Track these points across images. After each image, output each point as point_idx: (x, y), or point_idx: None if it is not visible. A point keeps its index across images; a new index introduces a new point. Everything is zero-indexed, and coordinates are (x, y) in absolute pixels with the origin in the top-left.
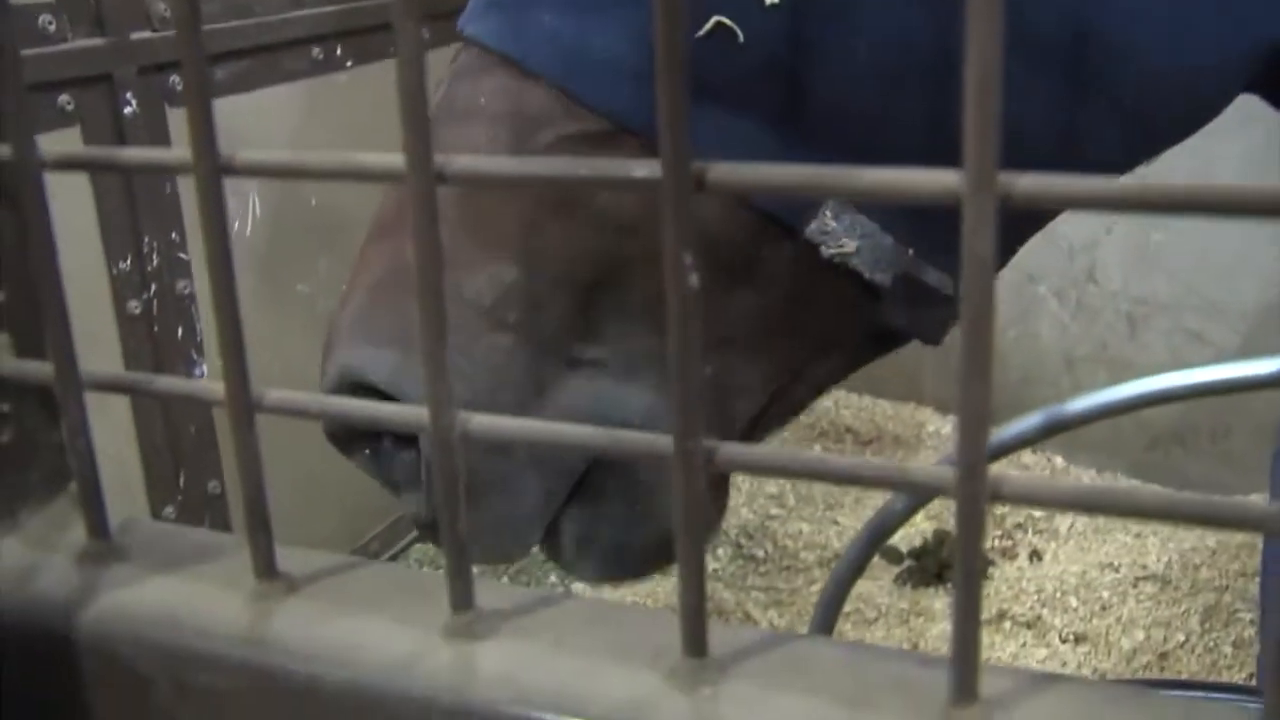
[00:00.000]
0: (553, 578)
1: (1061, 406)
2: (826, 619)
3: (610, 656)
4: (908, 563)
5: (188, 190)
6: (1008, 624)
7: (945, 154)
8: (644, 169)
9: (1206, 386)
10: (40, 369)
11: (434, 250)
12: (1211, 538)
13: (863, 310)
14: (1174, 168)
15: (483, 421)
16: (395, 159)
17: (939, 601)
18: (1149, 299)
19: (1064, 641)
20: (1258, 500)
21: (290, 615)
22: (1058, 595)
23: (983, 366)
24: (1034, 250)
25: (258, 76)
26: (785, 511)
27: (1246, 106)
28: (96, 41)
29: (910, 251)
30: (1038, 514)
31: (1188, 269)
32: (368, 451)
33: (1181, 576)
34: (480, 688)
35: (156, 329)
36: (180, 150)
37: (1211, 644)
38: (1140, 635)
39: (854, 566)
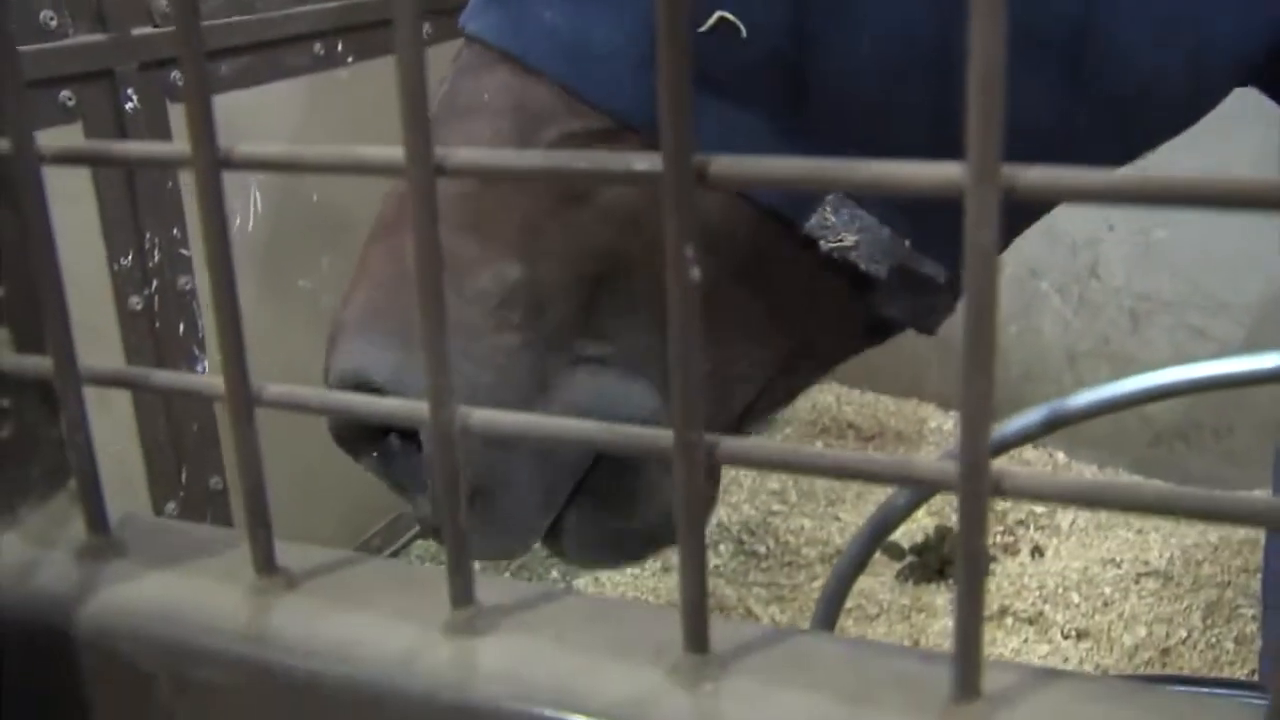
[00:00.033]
0: (554, 573)
1: (1064, 401)
2: (828, 615)
3: (611, 652)
4: (909, 559)
5: (189, 186)
6: (1009, 620)
7: (948, 148)
8: (645, 162)
9: (1209, 381)
10: (40, 364)
11: (433, 244)
12: (1214, 534)
13: (858, 301)
14: (1181, 165)
15: (483, 416)
16: (395, 152)
17: (940, 597)
18: (1151, 295)
19: (1066, 638)
20: (1260, 496)
21: (290, 611)
22: (1060, 591)
23: (985, 361)
24: (1036, 246)
25: (259, 72)
26: (787, 507)
27: (1256, 104)
28: (98, 37)
29: (907, 243)
30: (1039, 510)
31: (1190, 265)
32: (375, 454)
33: (1184, 572)
34: (481, 684)
35: (158, 325)
36: (179, 144)
37: (1213, 640)
38: (1142, 631)
39: (856, 562)
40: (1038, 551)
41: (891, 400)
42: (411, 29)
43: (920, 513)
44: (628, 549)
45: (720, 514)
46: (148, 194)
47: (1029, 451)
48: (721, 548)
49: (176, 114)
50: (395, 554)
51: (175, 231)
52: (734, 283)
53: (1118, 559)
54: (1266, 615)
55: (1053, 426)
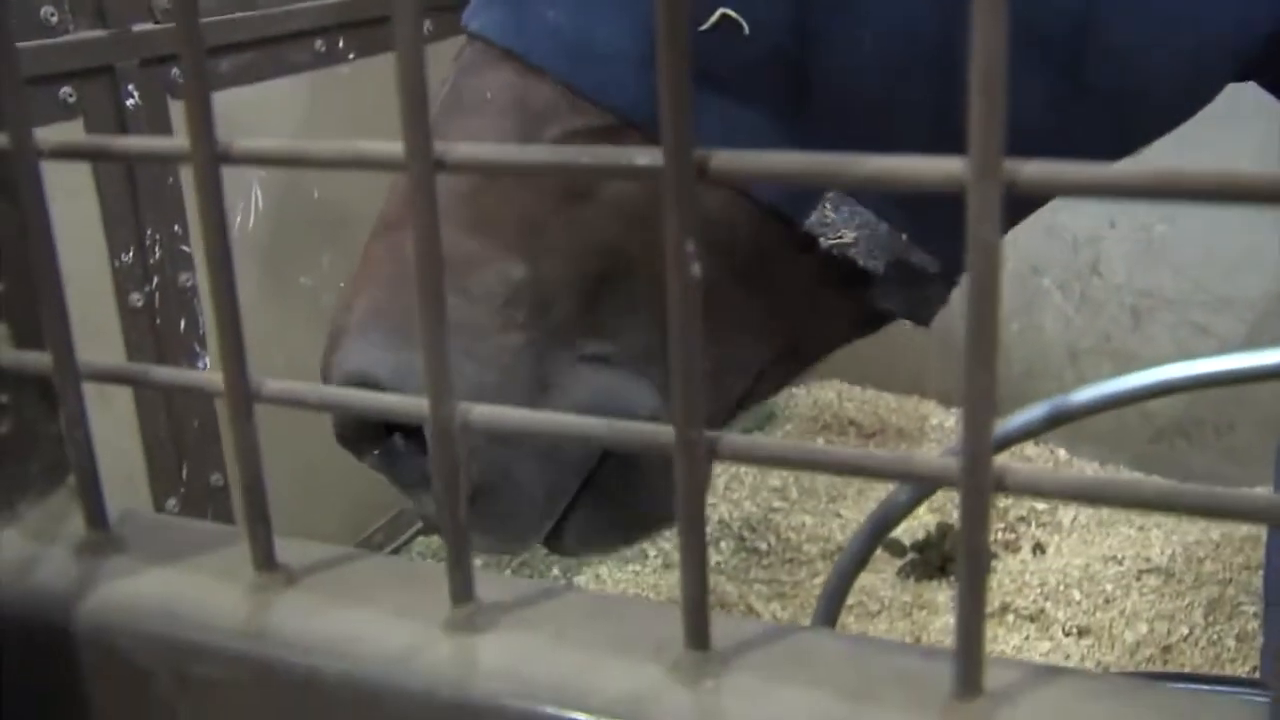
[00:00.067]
0: (555, 570)
1: (1066, 397)
2: (829, 612)
3: (612, 649)
4: (911, 556)
5: (191, 183)
6: (1011, 617)
7: (949, 144)
8: (646, 157)
9: (1211, 377)
10: (39, 360)
11: (433, 239)
12: (1215, 531)
13: (855, 295)
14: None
15: (483, 412)
16: (394, 147)
17: (942, 594)
18: (1153, 292)
19: (1067, 635)
20: (1262, 493)
21: (289, 607)
22: (1061, 588)
23: (988, 356)
24: (1038, 243)
25: (261, 69)
26: (788, 504)
27: (1256, 99)
28: (98, 33)
29: (904, 237)
30: (1041, 507)
31: (1192, 262)
32: (378, 452)
33: (1185, 570)
34: (480, 681)
35: (159, 322)
36: (178, 139)
37: (1215, 637)
38: (1144, 628)
39: (857, 559)
40: (1039, 548)
41: (893, 397)
42: (411, 23)
43: (921, 509)
44: (625, 539)
45: (721, 511)
46: (149, 190)
47: (1030, 448)
48: (723, 544)
49: (177, 110)
50: (397, 551)
51: (176, 228)
52: (733, 280)
53: (1119, 556)
54: (1268, 612)
55: (1055, 423)
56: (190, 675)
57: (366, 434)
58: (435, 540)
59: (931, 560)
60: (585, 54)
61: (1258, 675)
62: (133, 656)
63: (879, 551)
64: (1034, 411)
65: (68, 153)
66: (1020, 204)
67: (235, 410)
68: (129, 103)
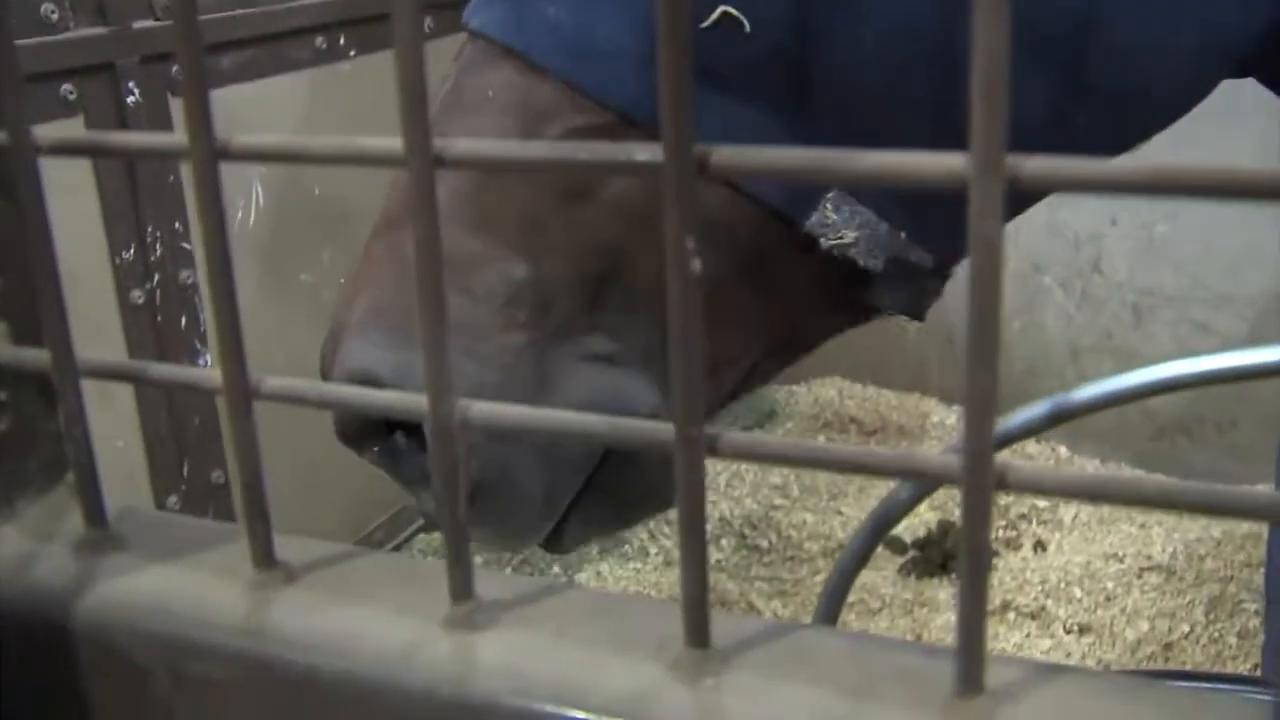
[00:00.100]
0: (556, 568)
1: (1067, 395)
2: (830, 609)
3: (612, 647)
4: (912, 553)
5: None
6: (1012, 615)
7: (950, 142)
8: (646, 153)
9: (1213, 374)
10: (37, 356)
11: (433, 235)
12: (1216, 528)
13: (853, 292)
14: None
15: (483, 409)
16: (394, 143)
17: (943, 592)
18: (1154, 289)
19: (1068, 632)
20: (1264, 490)
21: (288, 605)
22: (1062, 586)
23: (990, 354)
24: (1039, 240)
25: (261, 66)
26: (789, 502)
27: (1257, 96)
28: (99, 30)
29: (903, 235)
30: (1042, 504)
31: (1193, 259)
32: (378, 449)
33: (1186, 567)
34: (480, 679)
35: (159, 319)
36: (176, 135)
37: (1216, 635)
38: (1145, 626)
39: (858, 557)
40: (1040, 546)
41: (894, 395)
42: (410, 20)
43: (922, 507)
44: (622, 527)
45: (722, 508)
46: (149, 187)
47: (1031, 445)
48: (723, 542)
49: (178, 107)
50: (398, 548)
51: (177, 225)
52: (730, 278)
53: (1120, 554)
54: (1269, 610)
55: (1056, 420)
56: (189, 673)
57: (367, 431)
58: (436, 537)
59: (933, 558)
60: (586, 51)
61: (1259, 673)
62: (131, 654)
63: (880, 549)
64: (1035, 409)
65: (66, 149)
66: (1017, 199)
67: (234, 407)
68: (130, 100)
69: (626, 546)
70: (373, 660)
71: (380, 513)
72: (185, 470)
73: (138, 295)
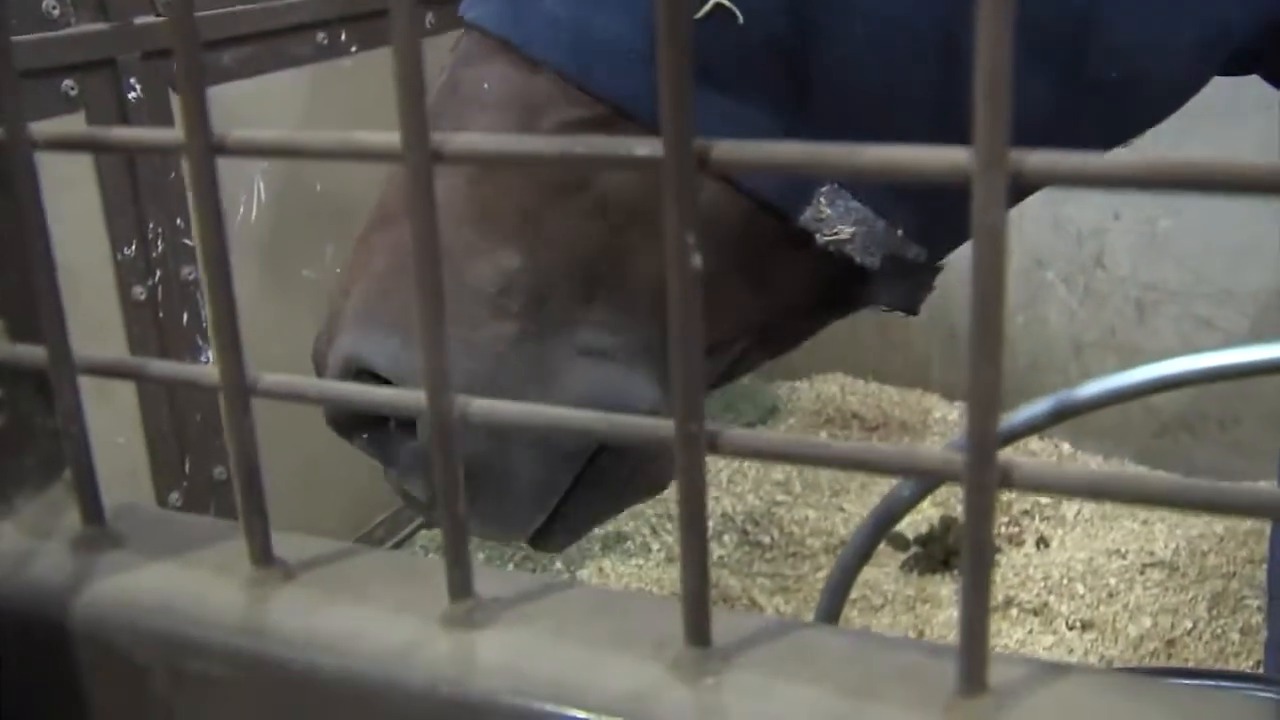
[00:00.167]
0: (558, 564)
1: (1071, 392)
2: (832, 606)
3: (612, 646)
4: (914, 549)
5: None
6: (1014, 611)
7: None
8: (646, 147)
9: (1216, 371)
10: (34, 353)
11: (431, 231)
12: (1219, 525)
13: (845, 287)
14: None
15: (482, 406)
16: (392, 137)
17: (945, 588)
18: (1157, 285)
19: (1071, 629)
20: (1267, 487)
21: (287, 603)
22: (1064, 582)
23: (993, 349)
24: (1042, 236)
25: (262, 62)
26: (791, 498)
27: (1258, 92)
28: (100, 26)
29: (900, 232)
30: (1044, 500)
31: (1196, 254)
32: (366, 436)
33: (1189, 563)
34: (479, 677)
35: (161, 315)
36: (173, 130)
37: (1219, 631)
38: (1147, 622)
39: (860, 553)
40: (1043, 542)
41: (896, 390)
42: (407, 14)
43: (925, 503)
44: (614, 514)
45: (725, 504)
46: (150, 183)
47: (1034, 442)
48: (726, 538)
49: (180, 103)
50: (399, 545)
51: (178, 221)
52: (724, 272)
53: (1123, 550)
54: (1272, 606)
55: (1060, 417)
56: (187, 671)
57: (358, 418)
58: (438, 534)
59: (935, 554)
60: (582, 44)
61: (1261, 669)
62: (129, 652)
63: (882, 545)
64: (1038, 406)
65: (63, 144)
66: (1014, 192)
67: (232, 404)
68: (131, 96)
69: (629, 543)
70: (371, 658)
71: (382, 509)
72: (187, 467)
73: (139, 292)
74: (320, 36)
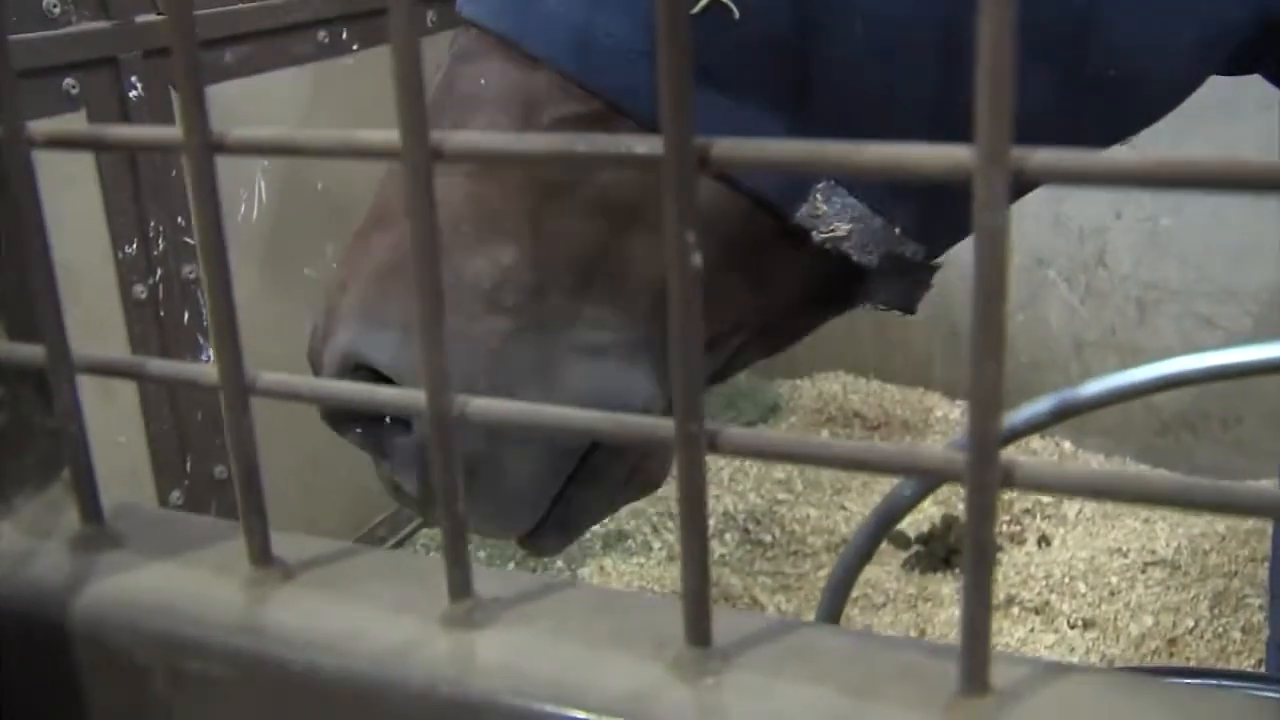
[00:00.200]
0: (559, 563)
1: (1073, 391)
2: (834, 604)
3: (612, 645)
4: (915, 548)
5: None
6: (1016, 609)
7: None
8: (646, 145)
9: (1218, 370)
10: (32, 352)
11: (430, 229)
12: (1221, 523)
13: (843, 285)
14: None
15: (481, 405)
16: (391, 135)
17: (947, 586)
18: (1159, 283)
19: (1072, 627)
20: (1269, 486)
21: (286, 602)
22: (1066, 581)
23: (995, 346)
24: (1043, 234)
25: (263, 60)
26: (793, 496)
27: (1259, 90)
28: (101, 25)
29: (898, 230)
30: (1046, 499)
31: (1197, 253)
32: (360, 430)
33: (1191, 562)
34: (478, 677)
35: (163, 314)
36: (172, 128)
37: (1220, 630)
38: (1149, 621)
39: (862, 552)
40: (1044, 541)
41: (897, 389)
42: (406, 12)
43: (926, 501)
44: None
45: (726, 503)
46: (152, 182)
47: (1035, 440)
48: (727, 536)
49: None
50: (400, 543)
51: (179, 220)
52: (720, 268)
53: (1124, 548)
54: (1273, 605)
55: (1061, 416)
56: (186, 670)
57: (352, 411)
58: (439, 533)
59: (936, 552)
60: (581, 40)
61: (1263, 668)
62: (128, 652)
63: (884, 543)
64: (1040, 405)
65: (61, 142)
66: (1012, 190)
67: (230, 404)
68: (132, 94)
69: (630, 541)
70: (371, 658)
71: (381, 509)
72: (188, 465)
73: (140, 290)
74: (321, 35)
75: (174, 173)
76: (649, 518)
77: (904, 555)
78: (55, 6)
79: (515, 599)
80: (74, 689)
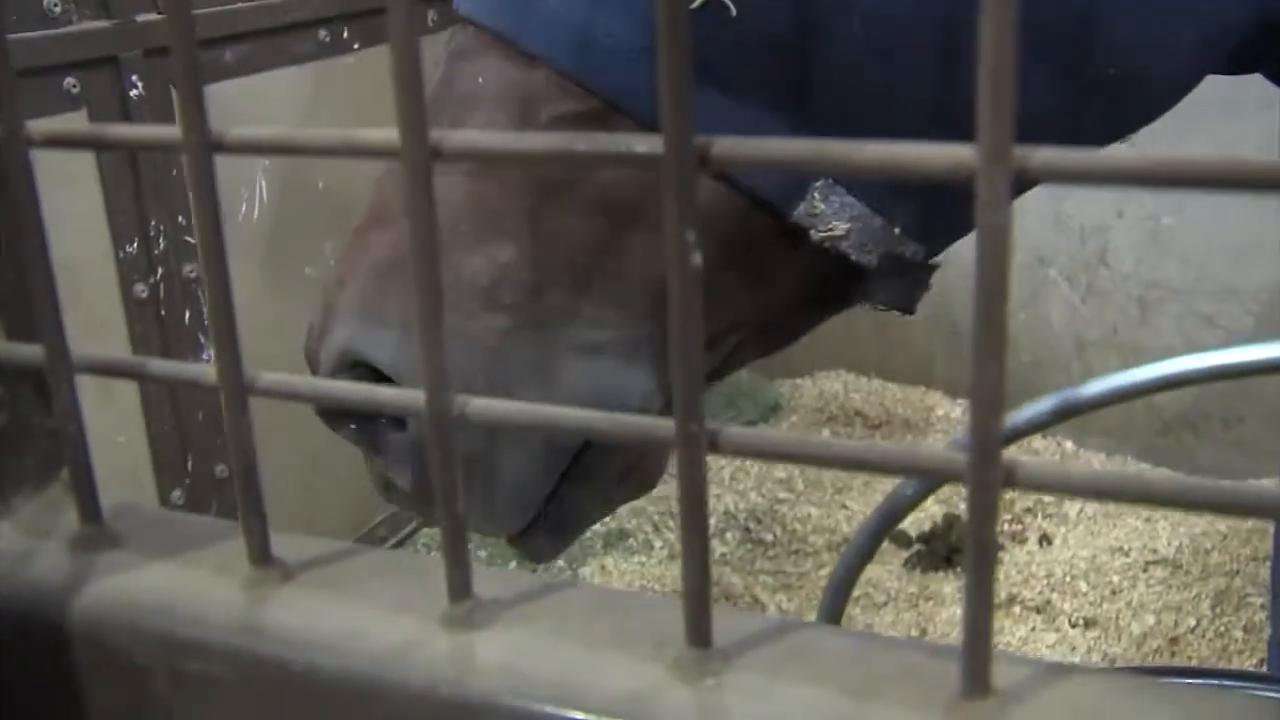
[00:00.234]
0: (560, 561)
1: (1075, 390)
2: (835, 603)
3: (612, 646)
4: (917, 547)
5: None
6: (1017, 609)
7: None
8: (645, 144)
9: (1220, 370)
10: (31, 351)
11: (429, 227)
12: (1222, 522)
13: (841, 285)
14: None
15: (480, 405)
16: (390, 134)
17: (948, 585)
18: (1160, 283)
19: (1074, 626)
20: (1270, 486)
21: (285, 602)
22: (1067, 580)
23: (996, 346)
24: (1045, 233)
25: (264, 60)
26: (794, 496)
27: (1260, 89)
28: (102, 24)
29: (897, 229)
30: (1047, 498)
31: (1199, 252)
32: (354, 425)
33: (1192, 561)
34: (478, 678)
35: (163, 313)
36: (171, 127)
37: (1222, 629)
38: (1150, 620)
39: (863, 551)
40: (1046, 540)
41: (898, 388)
42: (405, 11)
43: (928, 500)
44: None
45: (727, 502)
46: (152, 181)
47: (1036, 440)
48: (728, 536)
49: None
50: (401, 542)
51: (180, 219)
52: (719, 267)
53: (1126, 547)
54: (1275, 604)
55: (1063, 416)
56: (185, 671)
57: (349, 409)
58: (439, 532)
59: (938, 551)
60: (580, 38)
61: (1265, 668)
62: (127, 652)
63: (885, 543)
64: (1041, 405)
65: (61, 141)
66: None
67: (230, 404)
68: (133, 94)
69: (631, 540)
70: (370, 658)
71: (382, 509)
72: (189, 465)
73: (141, 289)
74: (322, 34)
75: (175, 172)
76: (650, 517)
77: (905, 554)
78: (56, 5)
79: (515, 599)
80: (73, 689)
